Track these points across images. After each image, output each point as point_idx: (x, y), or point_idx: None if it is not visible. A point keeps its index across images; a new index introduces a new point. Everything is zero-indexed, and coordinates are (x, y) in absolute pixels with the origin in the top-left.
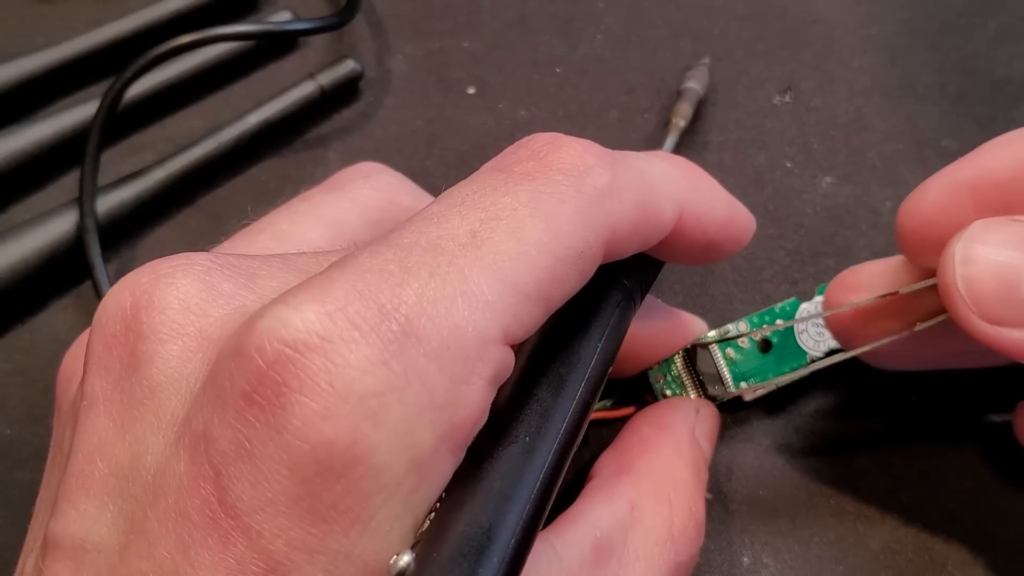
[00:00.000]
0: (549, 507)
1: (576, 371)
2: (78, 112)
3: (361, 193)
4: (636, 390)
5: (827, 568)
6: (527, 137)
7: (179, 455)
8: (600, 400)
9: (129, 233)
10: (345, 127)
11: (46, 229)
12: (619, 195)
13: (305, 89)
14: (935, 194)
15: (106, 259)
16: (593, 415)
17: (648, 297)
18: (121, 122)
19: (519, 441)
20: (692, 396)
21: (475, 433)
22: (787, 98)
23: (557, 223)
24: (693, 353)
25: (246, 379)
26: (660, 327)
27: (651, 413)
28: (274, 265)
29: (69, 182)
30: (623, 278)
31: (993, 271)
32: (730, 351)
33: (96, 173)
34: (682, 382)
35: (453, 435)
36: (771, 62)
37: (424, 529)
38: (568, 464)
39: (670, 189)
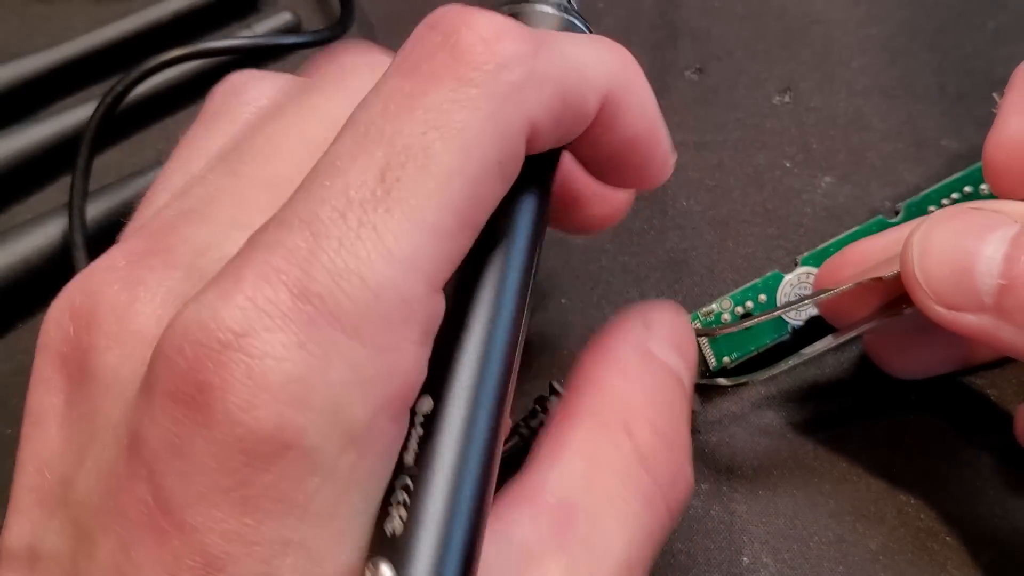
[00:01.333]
0: (495, 479)
1: (504, 301)
2: (78, 112)
3: (237, 111)
4: None
5: (827, 568)
6: (437, 11)
7: (118, 457)
8: None
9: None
10: None
11: (47, 229)
12: (539, 85)
13: None
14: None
15: None
16: None
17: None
18: (121, 122)
19: (463, 400)
20: None
21: (414, 395)
22: (787, 98)
23: (469, 139)
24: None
25: (170, 380)
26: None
27: (594, 340)
28: (179, 226)
29: (68, 182)
30: (530, 180)
31: (947, 260)
32: (715, 328)
33: (87, 181)
34: None
35: (389, 405)
36: (771, 62)
37: (396, 532)
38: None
39: (597, 74)
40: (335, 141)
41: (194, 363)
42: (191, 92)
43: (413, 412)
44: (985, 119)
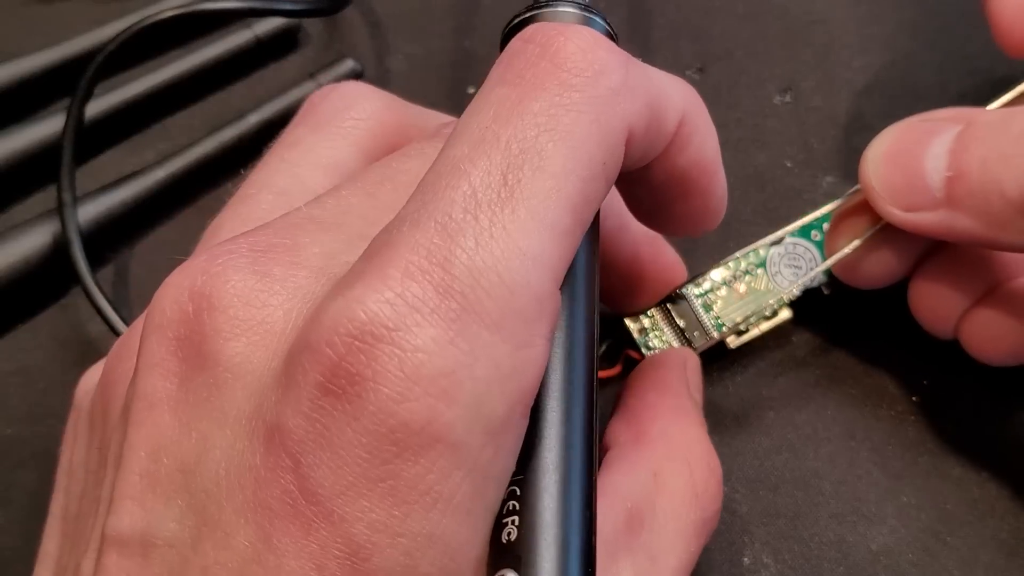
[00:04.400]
0: (596, 474)
1: (580, 299)
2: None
3: (350, 126)
4: (619, 346)
5: (827, 568)
6: (532, 27)
7: (253, 448)
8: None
9: (129, 233)
10: None
11: (47, 229)
12: (633, 93)
13: (305, 89)
14: None
15: (106, 259)
16: None
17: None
18: (121, 122)
19: (556, 404)
20: (675, 344)
21: (537, 391)
22: (787, 98)
23: (578, 140)
24: (671, 304)
25: (319, 371)
26: (648, 250)
27: (649, 375)
28: (308, 228)
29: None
30: None
31: (898, 163)
32: (708, 298)
33: (74, 162)
34: (663, 334)
35: (523, 400)
36: (771, 62)
37: (513, 539)
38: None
39: (674, 95)
40: (449, 146)
41: (346, 356)
42: (191, 92)
43: None
44: None
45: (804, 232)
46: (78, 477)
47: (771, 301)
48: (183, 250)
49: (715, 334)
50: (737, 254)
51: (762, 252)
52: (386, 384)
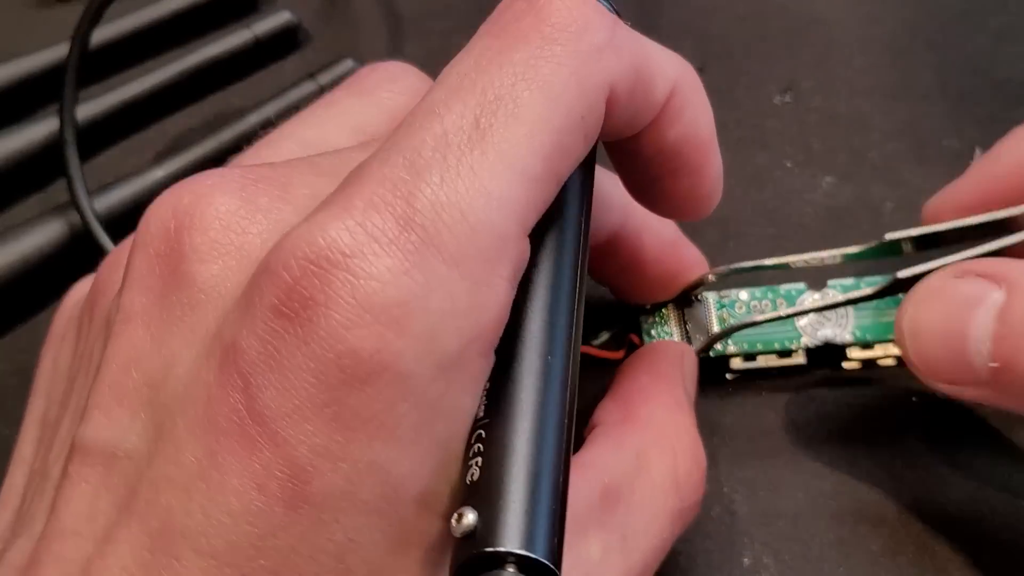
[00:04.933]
0: (572, 428)
1: (566, 257)
2: (78, 112)
3: (386, 96)
4: (625, 331)
5: (828, 569)
6: None
7: (209, 365)
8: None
9: (129, 233)
10: None
11: (46, 229)
12: (617, 52)
13: (305, 89)
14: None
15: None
16: (583, 350)
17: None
18: (121, 122)
19: (535, 354)
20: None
21: (499, 334)
22: (787, 98)
23: (555, 91)
24: (687, 306)
25: (274, 294)
26: (671, 247)
27: (645, 360)
28: (304, 171)
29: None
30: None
31: (939, 343)
32: (725, 312)
33: (74, 105)
34: (668, 327)
35: (480, 339)
36: (771, 62)
37: (476, 479)
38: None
39: (666, 64)
40: (429, 93)
41: (301, 279)
42: (191, 92)
43: None
44: (986, 119)
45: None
46: (58, 383)
47: (778, 345)
48: None
49: (721, 349)
50: (780, 289)
51: (794, 293)
52: (337, 310)
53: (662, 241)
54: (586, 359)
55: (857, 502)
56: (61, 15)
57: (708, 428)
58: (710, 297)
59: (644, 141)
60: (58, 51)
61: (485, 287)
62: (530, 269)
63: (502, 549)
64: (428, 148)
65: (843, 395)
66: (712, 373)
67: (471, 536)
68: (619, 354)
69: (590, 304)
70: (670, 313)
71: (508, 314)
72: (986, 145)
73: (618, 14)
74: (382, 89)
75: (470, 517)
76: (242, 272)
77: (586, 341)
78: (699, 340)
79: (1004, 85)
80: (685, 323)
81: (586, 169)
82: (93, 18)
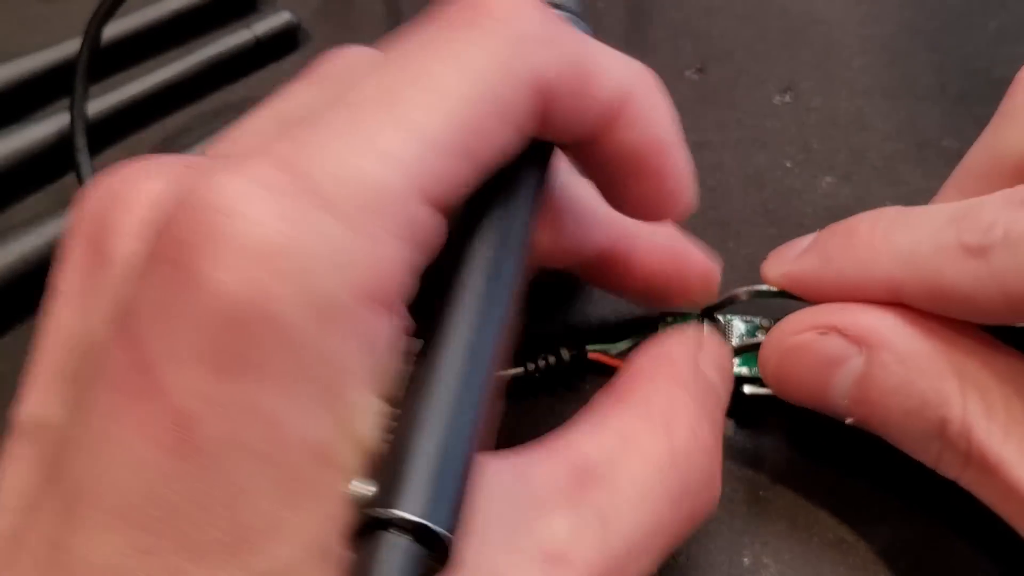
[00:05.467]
0: (484, 410)
1: (510, 242)
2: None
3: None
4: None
5: (827, 569)
6: None
7: (112, 327)
8: (606, 343)
9: None
10: None
11: (46, 229)
12: (550, 44)
13: None
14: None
15: None
16: (595, 357)
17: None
18: (121, 121)
19: (459, 335)
20: None
21: (393, 292)
22: (787, 98)
23: (475, 69)
24: (710, 320)
25: (162, 244)
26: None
27: (650, 345)
28: (224, 146)
29: (67, 181)
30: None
31: (804, 393)
32: (746, 337)
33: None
34: None
35: (364, 290)
36: (771, 62)
37: (384, 451)
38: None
39: (617, 70)
40: (358, 71)
41: (183, 226)
42: (191, 92)
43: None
44: (987, 119)
45: None
46: None
47: None
48: None
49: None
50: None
51: None
52: (214, 253)
53: (660, 250)
54: (601, 368)
55: (857, 501)
56: (62, 14)
57: None
58: (734, 319)
59: (602, 146)
60: (58, 51)
61: (368, 239)
62: (464, 251)
63: (397, 513)
64: (333, 109)
65: None
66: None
67: (370, 503)
68: None
69: (613, 312)
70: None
71: (407, 277)
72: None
73: (579, 16)
74: (338, 74)
75: (369, 484)
76: None
77: (605, 348)
78: None
79: (1003, 85)
80: None
81: (537, 167)
82: (107, 13)
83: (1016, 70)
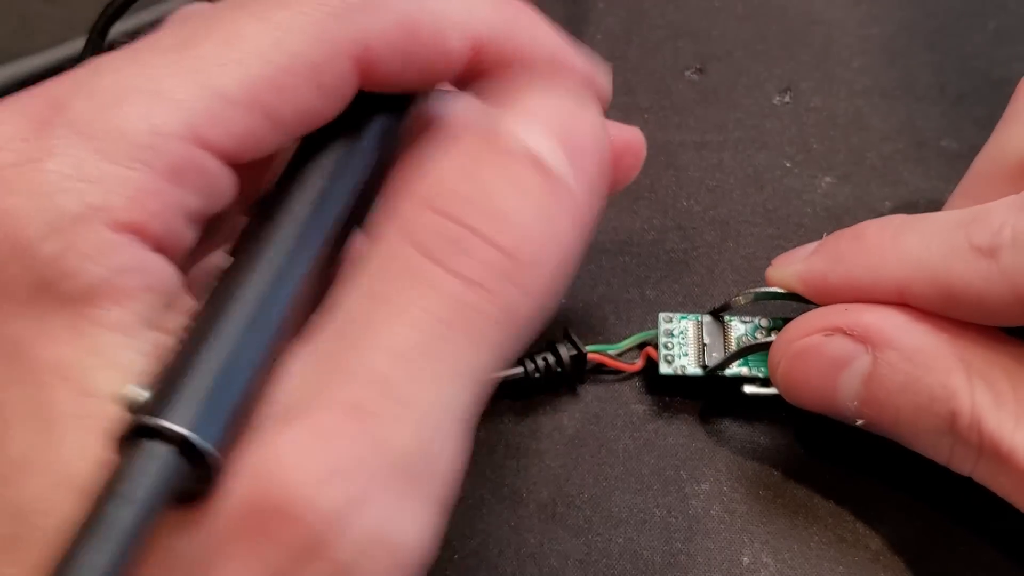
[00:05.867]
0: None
1: (334, 190)
2: None
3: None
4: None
5: (827, 568)
6: None
7: None
8: (606, 344)
9: None
10: None
11: None
12: (375, 11)
13: None
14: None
15: None
16: (595, 357)
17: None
18: None
19: (262, 259)
20: (692, 359)
21: (167, 231)
22: (786, 98)
23: (283, 31)
24: (707, 321)
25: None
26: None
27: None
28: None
29: None
30: (382, 105)
31: (812, 396)
32: (745, 337)
33: None
34: (684, 341)
35: (113, 215)
36: (770, 62)
37: (166, 363)
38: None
39: (460, 16)
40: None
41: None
42: None
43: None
44: (985, 120)
45: None
46: None
47: None
48: None
49: (736, 369)
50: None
51: None
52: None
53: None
54: (602, 369)
55: (856, 500)
56: (62, 13)
57: (710, 427)
58: (733, 319)
59: (495, 83)
60: (58, 51)
61: (121, 167)
62: (288, 188)
63: (161, 423)
64: (121, 57)
65: None
66: (726, 391)
67: (140, 410)
68: (635, 366)
69: (612, 312)
70: (689, 328)
71: (179, 217)
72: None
73: None
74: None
75: (141, 392)
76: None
77: (604, 349)
78: (714, 358)
79: (1002, 85)
80: (703, 337)
81: (381, 120)
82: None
83: (1016, 70)
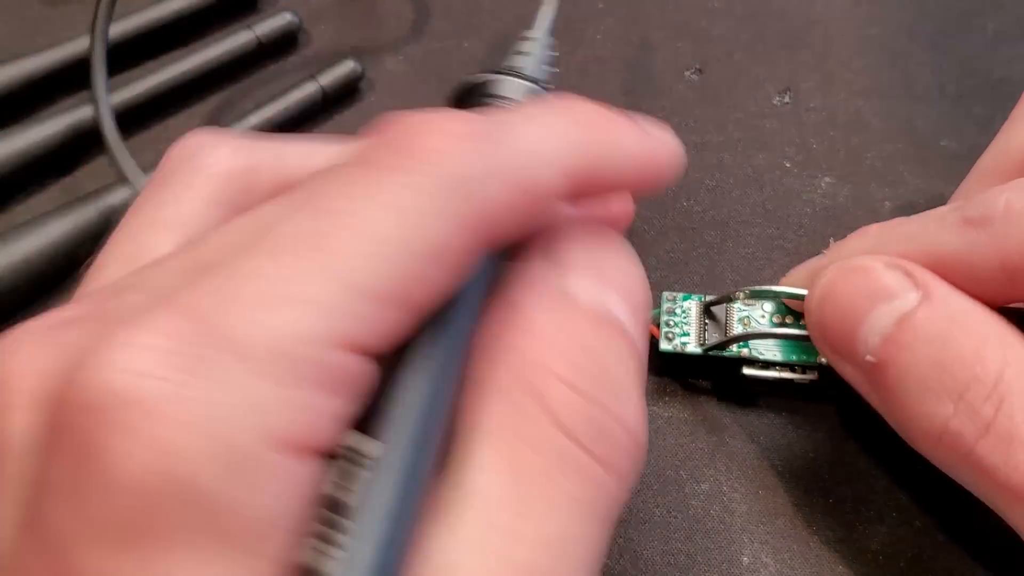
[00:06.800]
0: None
1: (441, 374)
2: (78, 112)
3: (189, 180)
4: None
5: (826, 568)
6: (392, 117)
7: (17, 520)
8: None
9: None
10: (345, 127)
11: (47, 229)
12: (489, 181)
13: (306, 89)
14: None
15: None
16: None
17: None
18: (121, 122)
19: (385, 470)
20: (692, 339)
21: (316, 439)
22: (786, 99)
23: (412, 218)
24: (712, 305)
25: (59, 420)
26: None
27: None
28: (120, 295)
29: (69, 182)
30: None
31: (840, 315)
32: (747, 319)
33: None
34: (687, 321)
35: (279, 439)
36: (770, 63)
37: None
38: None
39: (553, 153)
40: (277, 200)
41: (79, 400)
42: (191, 92)
43: (354, 454)
44: (985, 120)
45: None
46: None
47: (795, 358)
48: None
49: (735, 350)
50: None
51: None
52: (119, 424)
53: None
54: None
55: (856, 500)
56: (62, 13)
57: (710, 427)
58: (735, 304)
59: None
60: (58, 51)
61: (280, 387)
62: (400, 383)
63: None
64: (243, 251)
65: (843, 394)
66: (725, 372)
67: None
68: None
69: None
70: (691, 308)
71: (330, 423)
72: (982, 145)
73: (539, 86)
74: (184, 172)
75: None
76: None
77: None
78: (714, 338)
79: (1002, 86)
80: (705, 321)
81: (481, 282)
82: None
83: (1016, 71)
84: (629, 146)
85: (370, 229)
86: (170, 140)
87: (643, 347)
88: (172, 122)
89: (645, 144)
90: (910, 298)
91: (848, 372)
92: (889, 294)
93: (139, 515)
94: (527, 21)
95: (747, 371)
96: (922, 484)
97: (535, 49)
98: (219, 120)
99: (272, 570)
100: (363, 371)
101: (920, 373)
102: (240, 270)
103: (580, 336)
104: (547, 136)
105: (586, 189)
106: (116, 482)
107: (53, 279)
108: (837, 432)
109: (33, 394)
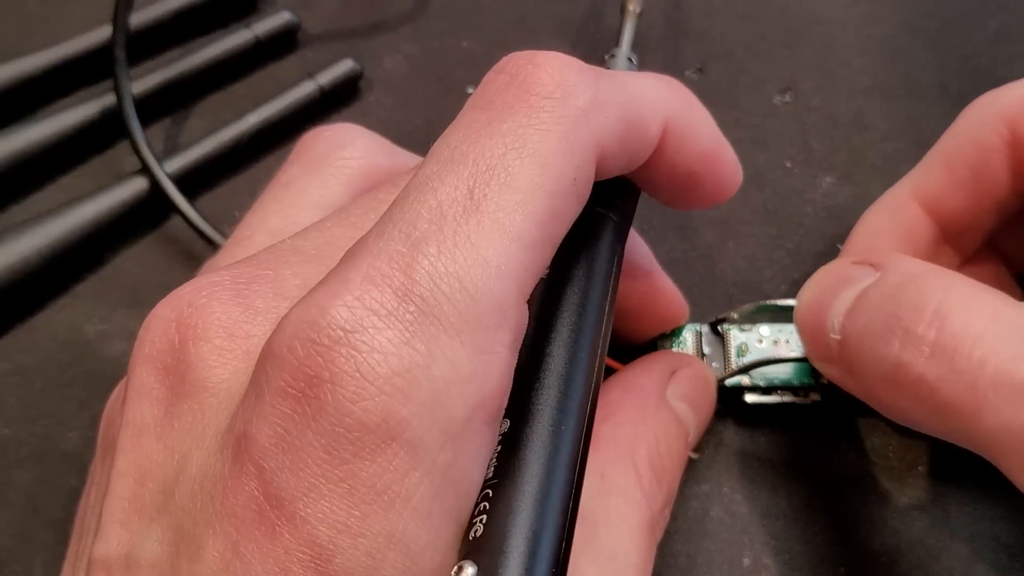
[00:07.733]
0: (580, 490)
1: (587, 322)
2: (78, 112)
3: (339, 166)
4: (645, 350)
5: (827, 569)
6: (505, 58)
7: (223, 459)
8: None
9: (129, 233)
10: None
11: (46, 229)
12: (603, 110)
13: (305, 89)
14: None
15: (107, 259)
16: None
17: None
18: (121, 122)
19: (547, 417)
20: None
21: (504, 402)
22: (787, 98)
23: (546, 157)
24: (707, 333)
25: (280, 376)
26: (647, 291)
27: (625, 372)
28: (292, 261)
29: (69, 182)
30: (611, 213)
31: (810, 315)
32: (744, 345)
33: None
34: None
35: (484, 406)
36: (771, 62)
37: (479, 535)
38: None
39: (655, 101)
40: (421, 166)
41: (304, 359)
42: (190, 92)
43: None
44: None
45: None
46: (89, 504)
47: (796, 382)
48: (182, 250)
49: (736, 380)
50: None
51: None
52: (342, 384)
53: (639, 275)
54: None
55: (857, 502)
56: (62, 13)
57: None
58: (731, 328)
59: (656, 168)
60: (58, 51)
61: (487, 354)
62: (549, 326)
63: None
64: (424, 220)
65: (843, 395)
66: (727, 402)
67: None
68: None
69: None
70: (688, 337)
71: (511, 381)
72: None
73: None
74: (334, 157)
75: (469, 571)
76: (251, 372)
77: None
78: (716, 368)
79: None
80: (702, 348)
81: (616, 232)
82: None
83: (1017, 70)
84: (708, 132)
85: (517, 181)
86: (169, 140)
87: (693, 440)
88: (171, 121)
89: (720, 140)
90: (868, 279)
91: (832, 373)
92: (851, 280)
93: (367, 472)
94: (527, 21)
95: (749, 399)
96: (922, 485)
97: (621, 65)
98: (219, 119)
99: (459, 533)
100: (525, 317)
101: (874, 330)
102: (423, 235)
103: (664, 431)
104: (650, 87)
105: (669, 152)
106: (346, 438)
107: (52, 280)
108: (837, 433)
109: (239, 351)
